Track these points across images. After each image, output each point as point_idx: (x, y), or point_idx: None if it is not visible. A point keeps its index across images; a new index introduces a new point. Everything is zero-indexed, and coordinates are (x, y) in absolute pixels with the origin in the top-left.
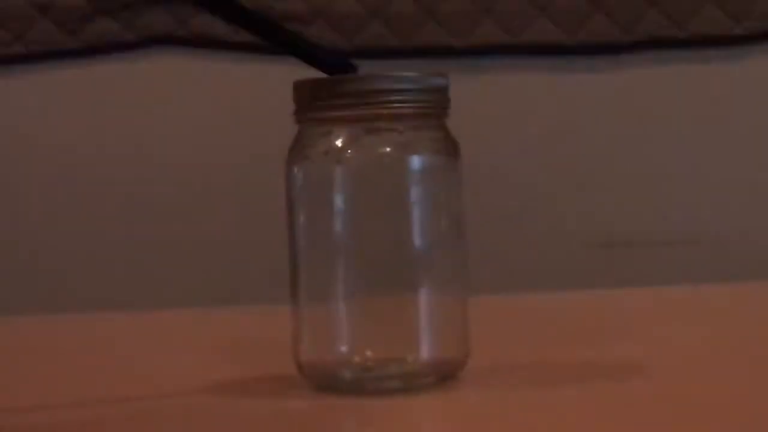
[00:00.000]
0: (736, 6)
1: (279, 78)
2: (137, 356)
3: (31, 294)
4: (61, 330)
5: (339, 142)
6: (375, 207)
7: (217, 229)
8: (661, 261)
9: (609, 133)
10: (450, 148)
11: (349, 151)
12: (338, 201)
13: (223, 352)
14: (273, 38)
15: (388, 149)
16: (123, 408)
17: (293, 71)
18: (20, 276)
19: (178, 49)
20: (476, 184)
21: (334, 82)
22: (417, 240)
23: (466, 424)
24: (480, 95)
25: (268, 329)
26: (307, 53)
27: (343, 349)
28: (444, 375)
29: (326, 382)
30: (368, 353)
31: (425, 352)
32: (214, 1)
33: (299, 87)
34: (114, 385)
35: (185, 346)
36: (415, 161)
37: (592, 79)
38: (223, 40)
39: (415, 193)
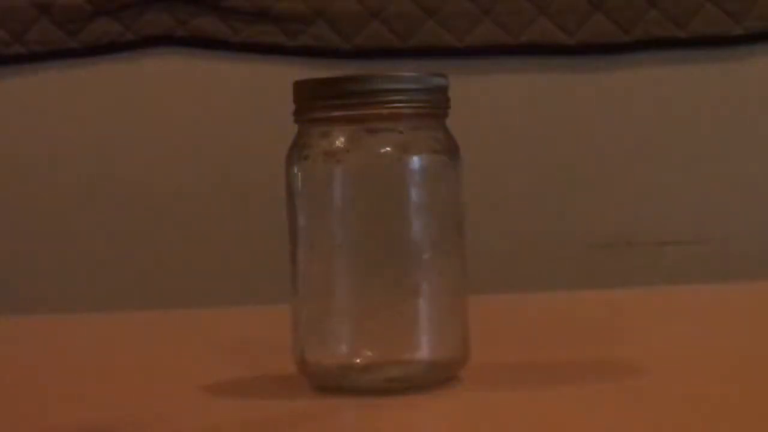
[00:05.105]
0: (736, 6)
1: (279, 78)
2: (138, 356)
3: (31, 294)
4: (61, 330)
5: (339, 142)
6: (375, 207)
7: (216, 228)
8: (661, 261)
9: (609, 132)
10: (450, 148)
11: (349, 151)
12: (338, 201)
13: (223, 352)
14: None
15: (388, 149)
16: (123, 407)
17: (293, 71)
18: (20, 276)
19: (178, 49)
20: (476, 184)
21: (334, 82)
22: (417, 240)
23: (466, 424)
24: (480, 95)
25: (268, 329)
26: None
27: (343, 349)
28: (444, 375)
29: (326, 382)
30: (368, 353)
31: (425, 352)
32: None
33: (299, 87)
34: (114, 385)
35: (185, 346)
36: (415, 161)
37: (592, 79)
38: (223, 40)
39: (415, 193)
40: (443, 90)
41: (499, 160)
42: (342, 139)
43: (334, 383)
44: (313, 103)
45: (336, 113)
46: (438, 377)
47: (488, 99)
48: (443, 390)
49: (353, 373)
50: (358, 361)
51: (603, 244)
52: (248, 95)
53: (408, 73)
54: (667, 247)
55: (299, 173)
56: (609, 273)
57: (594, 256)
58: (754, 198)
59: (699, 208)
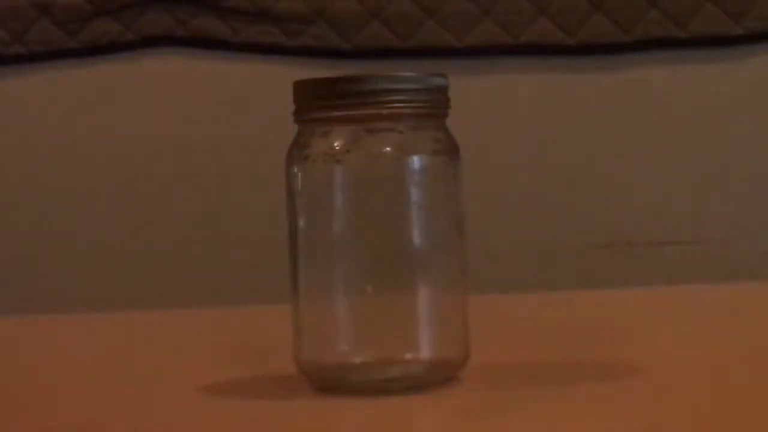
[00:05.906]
0: (736, 6)
1: (279, 78)
2: (137, 356)
3: (31, 294)
4: (61, 330)
5: (339, 142)
6: (375, 207)
7: (216, 228)
8: (661, 261)
9: (609, 133)
10: (450, 148)
11: (349, 151)
12: (338, 201)
13: (223, 352)
14: None
15: (388, 149)
16: (123, 408)
17: (293, 71)
18: (20, 276)
19: (178, 49)
20: (476, 184)
21: (334, 82)
22: (417, 240)
23: (466, 424)
24: (480, 95)
25: (268, 329)
26: None
27: (343, 349)
28: (444, 375)
29: (326, 382)
30: (368, 353)
31: (425, 352)
32: None
33: (299, 87)
34: (114, 385)
35: (185, 346)
36: (415, 161)
37: (592, 79)
38: (223, 40)
39: (415, 193)
40: (443, 90)
41: (499, 160)
42: (342, 139)
43: (334, 383)
44: (313, 103)
45: (336, 113)
46: (438, 377)
47: (488, 99)
48: (443, 390)
49: (353, 373)
50: (358, 361)
51: (603, 244)
52: (248, 95)
53: (408, 73)
54: (667, 247)
55: (299, 173)
56: (609, 273)
57: (594, 256)
58: (754, 198)
59: (699, 208)
